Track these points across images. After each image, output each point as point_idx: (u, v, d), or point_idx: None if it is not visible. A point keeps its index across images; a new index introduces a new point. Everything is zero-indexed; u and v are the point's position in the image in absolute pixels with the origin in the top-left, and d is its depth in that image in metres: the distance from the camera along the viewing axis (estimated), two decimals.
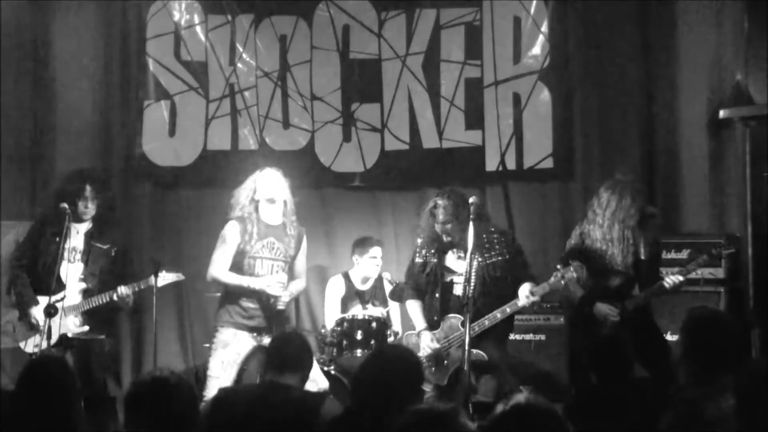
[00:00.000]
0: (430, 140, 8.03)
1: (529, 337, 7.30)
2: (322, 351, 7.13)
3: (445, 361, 6.25)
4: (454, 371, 6.21)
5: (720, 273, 7.01)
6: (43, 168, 8.14)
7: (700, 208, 7.43)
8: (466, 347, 5.57)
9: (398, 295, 6.89)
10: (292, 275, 6.55)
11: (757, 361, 6.50)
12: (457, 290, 6.30)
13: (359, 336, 6.93)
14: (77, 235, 6.59)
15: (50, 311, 6.08)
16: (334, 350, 7.02)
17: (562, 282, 6.10)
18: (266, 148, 8.13)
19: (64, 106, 8.15)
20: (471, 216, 5.93)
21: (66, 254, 6.52)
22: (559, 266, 6.18)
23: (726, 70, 7.52)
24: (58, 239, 6.46)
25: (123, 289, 6.48)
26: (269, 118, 8.20)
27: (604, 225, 6.21)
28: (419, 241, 6.53)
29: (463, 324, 5.98)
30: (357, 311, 7.30)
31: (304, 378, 4.67)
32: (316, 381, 6.06)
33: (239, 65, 8.21)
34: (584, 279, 6.26)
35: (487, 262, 6.21)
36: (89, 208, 6.59)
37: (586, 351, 5.06)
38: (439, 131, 8.02)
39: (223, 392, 4.80)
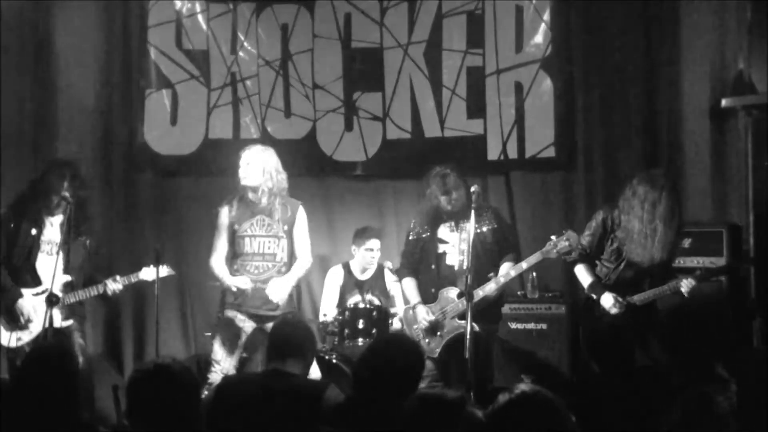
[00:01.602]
0: (431, 129, 8.03)
1: (530, 326, 7.30)
2: (324, 340, 7.14)
3: (439, 332, 6.32)
4: (446, 342, 6.29)
5: (721, 262, 7.01)
6: (44, 157, 8.10)
7: (702, 197, 7.42)
8: (467, 343, 5.56)
9: (398, 275, 6.96)
10: (291, 253, 6.54)
11: (758, 349, 6.54)
12: (450, 260, 6.42)
13: (361, 325, 6.95)
14: (51, 228, 6.46)
15: (52, 299, 5.99)
16: (336, 339, 7.04)
17: (555, 251, 6.15)
18: (268, 137, 8.11)
19: (66, 95, 8.15)
20: (473, 204, 5.94)
21: (43, 247, 6.42)
22: (552, 236, 6.22)
23: (728, 59, 7.51)
24: (34, 231, 6.38)
25: (113, 285, 6.42)
26: (271, 106, 8.19)
27: (644, 219, 6.17)
28: (413, 221, 6.60)
29: (460, 296, 6.19)
30: (357, 300, 7.32)
31: (307, 365, 4.68)
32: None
33: (241, 54, 8.20)
34: (577, 248, 6.30)
35: (478, 231, 6.26)
36: (63, 203, 6.37)
37: (586, 339, 5.07)
38: (441, 120, 8.01)
39: (225, 380, 4.82)
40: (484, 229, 6.36)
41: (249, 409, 4.30)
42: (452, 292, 6.31)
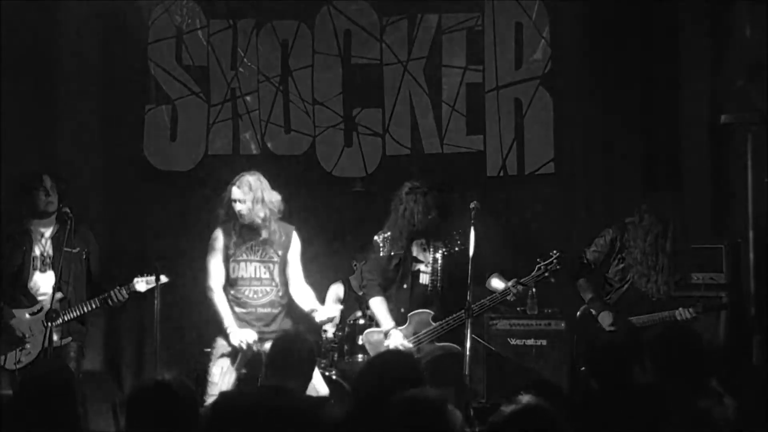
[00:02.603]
0: (431, 145, 8.04)
1: (530, 342, 7.29)
2: (324, 355, 7.12)
3: (416, 356, 6.27)
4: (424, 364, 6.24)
5: (721, 278, 7.01)
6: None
7: (702, 213, 7.43)
8: (466, 359, 5.55)
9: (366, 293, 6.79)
10: (285, 278, 6.53)
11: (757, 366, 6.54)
12: (424, 279, 6.36)
13: (360, 341, 6.92)
14: (43, 240, 6.38)
15: (52, 315, 5.95)
16: (335, 355, 7.02)
17: (546, 274, 6.11)
18: (268, 153, 8.13)
19: (66, 111, 8.14)
20: (471, 221, 5.94)
21: (35, 263, 6.33)
22: (539, 259, 6.19)
23: (728, 74, 7.52)
24: (24, 247, 6.30)
25: (117, 296, 6.37)
26: (271, 122, 8.20)
27: (645, 251, 6.17)
28: (378, 238, 6.53)
29: (435, 320, 6.19)
30: (357, 316, 7.29)
31: (306, 382, 4.66)
32: (316, 388, 6.05)
33: (241, 70, 8.22)
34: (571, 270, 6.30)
35: (451, 251, 6.25)
36: (51, 198, 6.32)
37: (584, 355, 5.07)
38: (441, 136, 8.03)
39: (223, 397, 4.80)
40: (456, 249, 6.31)
41: (247, 426, 4.28)
42: (425, 316, 6.25)
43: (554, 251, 6.22)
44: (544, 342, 7.26)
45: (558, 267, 6.10)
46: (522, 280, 6.13)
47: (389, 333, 6.32)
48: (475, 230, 5.92)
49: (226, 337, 6.35)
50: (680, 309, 6.20)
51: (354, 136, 8.14)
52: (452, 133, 8.01)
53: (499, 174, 7.96)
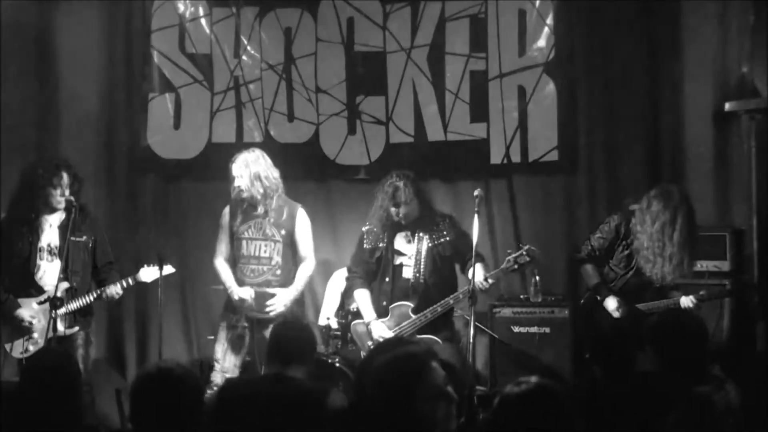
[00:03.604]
0: (435, 133, 8.03)
1: (533, 329, 7.29)
2: (327, 343, 7.14)
3: None
4: None
5: (725, 266, 7.02)
6: None
7: (706, 201, 7.42)
8: (469, 347, 5.55)
9: (349, 284, 6.79)
10: (294, 255, 6.56)
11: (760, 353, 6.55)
12: (407, 273, 6.33)
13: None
14: (50, 229, 6.37)
15: (56, 303, 5.94)
16: (339, 343, 7.04)
17: (515, 267, 6.09)
18: (271, 141, 8.13)
19: (68, 99, 8.15)
20: (476, 209, 5.93)
21: (42, 253, 6.32)
22: (509, 251, 6.18)
23: (731, 62, 7.51)
24: (30, 238, 6.29)
25: (112, 289, 6.36)
26: (274, 110, 8.20)
27: (653, 237, 6.15)
28: (364, 229, 6.53)
29: (415, 312, 6.16)
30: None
31: (309, 368, 4.67)
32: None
33: (244, 58, 8.21)
34: (537, 263, 6.29)
35: (436, 243, 6.24)
36: (64, 197, 6.29)
37: (588, 342, 5.08)
38: (444, 124, 8.01)
39: (227, 384, 4.81)
40: (441, 240, 6.30)
41: (252, 414, 4.30)
42: (405, 308, 6.25)
43: (524, 244, 6.20)
44: (548, 329, 7.26)
45: (527, 259, 6.07)
46: (488, 275, 6.09)
47: (371, 324, 6.32)
48: (478, 217, 5.91)
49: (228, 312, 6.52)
50: (683, 297, 6.22)
51: (357, 124, 8.13)
52: (456, 121, 8.00)
53: (502, 162, 7.95)
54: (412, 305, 6.22)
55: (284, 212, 6.51)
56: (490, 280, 6.06)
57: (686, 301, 6.20)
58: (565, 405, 3.01)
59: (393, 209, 6.27)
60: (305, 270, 6.59)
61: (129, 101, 8.27)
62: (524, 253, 6.06)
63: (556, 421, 2.99)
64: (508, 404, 3.02)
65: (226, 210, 6.67)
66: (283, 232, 6.48)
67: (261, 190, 6.42)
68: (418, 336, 6.12)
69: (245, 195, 6.44)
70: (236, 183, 6.45)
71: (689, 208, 6.23)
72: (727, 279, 6.97)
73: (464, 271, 6.36)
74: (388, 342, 4.85)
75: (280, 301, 6.42)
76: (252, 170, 6.44)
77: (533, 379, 3.07)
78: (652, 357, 4.18)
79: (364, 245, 6.49)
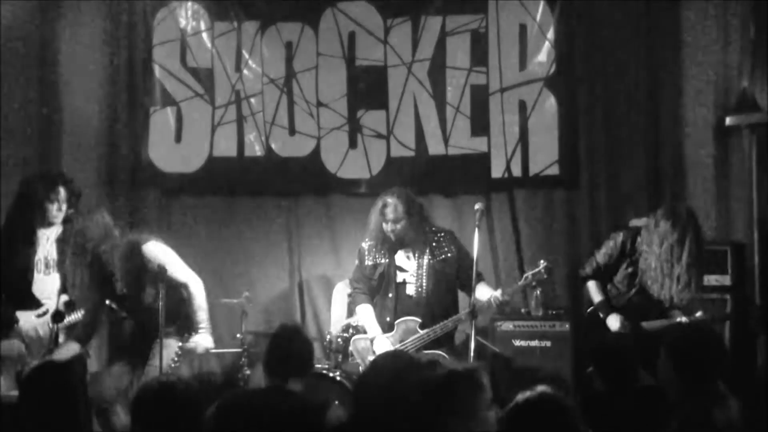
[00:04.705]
0: (435, 147, 8.04)
1: (534, 343, 7.27)
2: (328, 357, 7.13)
3: None
4: None
5: (726, 280, 7.01)
6: None
7: (706, 215, 7.42)
8: (470, 352, 5.55)
9: (353, 300, 6.77)
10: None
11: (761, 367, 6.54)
12: (410, 290, 6.31)
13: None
14: (48, 243, 6.31)
15: (57, 318, 5.92)
16: (340, 356, 7.02)
17: (534, 284, 6.09)
18: (272, 155, 8.13)
19: (70, 113, 8.14)
20: (477, 223, 5.93)
21: (39, 266, 6.23)
22: (527, 269, 6.18)
23: (732, 76, 7.53)
24: (28, 251, 6.23)
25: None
26: (275, 124, 8.20)
27: (660, 257, 6.11)
28: (365, 245, 6.51)
29: (422, 327, 6.13)
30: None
31: (307, 380, 4.66)
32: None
33: (245, 72, 8.22)
34: (552, 283, 6.28)
35: (437, 259, 6.23)
36: (62, 212, 6.27)
37: (590, 355, 5.07)
38: (445, 138, 8.02)
39: (227, 398, 4.80)
40: (443, 256, 6.28)
41: (252, 428, 4.29)
42: (412, 324, 6.23)
43: (542, 261, 6.19)
44: (549, 343, 7.25)
45: (545, 277, 6.07)
46: (506, 291, 6.08)
47: (375, 340, 6.30)
48: (479, 231, 5.90)
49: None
50: (685, 318, 6.19)
51: (358, 138, 8.14)
52: (456, 135, 8.01)
53: (503, 176, 7.96)
54: (419, 320, 6.20)
55: None
56: (506, 297, 6.05)
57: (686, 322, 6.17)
58: (573, 414, 3.02)
59: (383, 225, 6.27)
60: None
61: (130, 115, 8.26)
62: (542, 270, 6.06)
63: (565, 429, 3.00)
64: (518, 413, 3.03)
65: None
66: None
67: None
68: (425, 351, 6.11)
69: None
70: None
71: (697, 228, 6.18)
72: (728, 293, 6.97)
73: (465, 287, 6.35)
74: (386, 356, 4.83)
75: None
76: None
77: (541, 388, 3.08)
78: (667, 369, 4.14)
79: (366, 261, 6.48)
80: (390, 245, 6.34)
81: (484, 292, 6.15)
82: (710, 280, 6.88)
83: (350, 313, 7.28)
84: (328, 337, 7.24)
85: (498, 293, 6.01)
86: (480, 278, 6.08)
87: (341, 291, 7.59)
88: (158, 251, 6.29)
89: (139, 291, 6.34)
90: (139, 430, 3.60)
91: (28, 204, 6.30)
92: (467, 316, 6.08)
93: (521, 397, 3.05)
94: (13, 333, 6.23)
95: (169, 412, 3.55)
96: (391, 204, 6.23)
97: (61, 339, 6.05)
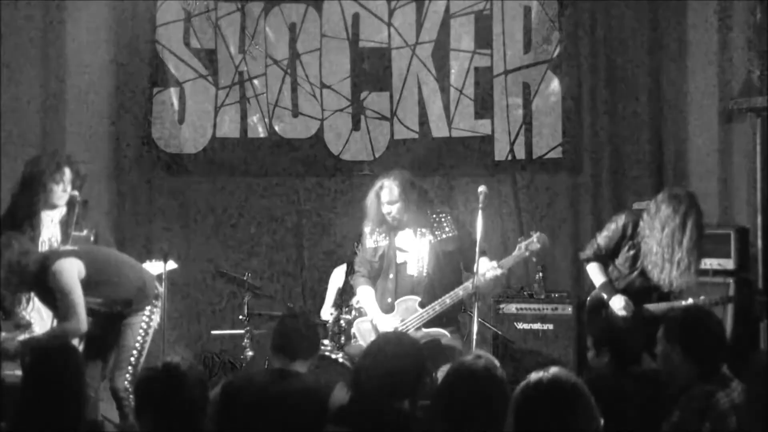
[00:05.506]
0: (439, 129, 8.04)
1: (536, 326, 7.28)
2: (331, 338, 7.14)
3: None
4: None
5: (729, 264, 7.00)
6: None
7: (710, 199, 7.41)
8: (473, 344, 5.54)
9: (354, 282, 6.71)
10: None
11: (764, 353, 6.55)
12: (411, 270, 6.28)
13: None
14: (51, 224, 6.27)
15: None
16: (342, 338, 7.03)
17: (527, 254, 6.07)
18: (275, 136, 8.14)
19: (74, 94, 8.14)
20: (480, 205, 5.91)
21: (42, 248, 6.10)
22: (520, 239, 6.14)
23: (736, 60, 7.51)
24: (31, 233, 6.13)
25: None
26: (278, 106, 8.20)
27: (662, 242, 6.10)
28: (366, 228, 6.48)
29: (422, 306, 6.07)
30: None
31: (313, 363, 4.68)
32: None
33: (249, 53, 8.21)
34: (546, 250, 6.24)
35: (439, 239, 6.21)
36: (66, 193, 6.19)
37: (593, 337, 5.07)
38: (449, 120, 8.02)
39: (233, 379, 4.82)
40: (444, 236, 6.27)
41: (257, 410, 4.31)
42: (412, 302, 6.22)
43: (535, 231, 6.17)
44: (551, 326, 7.26)
45: (538, 246, 6.04)
46: (501, 262, 6.07)
47: (377, 320, 6.31)
48: (483, 213, 5.89)
49: None
50: (687, 302, 6.18)
51: (362, 120, 8.14)
52: (460, 117, 8.00)
53: (507, 158, 7.96)
54: (419, 299, 6.20)
55: None
56: (502, 269, 6.03)
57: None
58: (583, 395, 3.03)
59: (380, 207, 6.25)
60: None
61: (134, 96, 8.26)
62: (535, 240, 6.03)
63: (577, 409, 3.00)
64: (531, 393, 3.03)
65: None
66: None
67: None
68: (425, 330, 6.11)
69: None
70: None
71: (698, 213, 6.17)
72: (731, 277, 6.96)
73: (468, 267, 6.34)
74: (387, 336, 4.81)
75: None
76: None
77: (552, 369, 3.08)
78: (673, 351, 4.14)
79: (367, 245, 6.46)
80: (389, 227, 6.32)
81: (484, 266, 6.14)
82: (713, 263, 6.87)
83: (342, 293, 7.28)
84: (331, 318, 7.26)
85: (494, 264, 6.00)
86: (483, 255, 6.05)
87: (336, 276, 7.58)
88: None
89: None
90: (144, 411, 3.61)
91: (32, 185, 6.21)
92: (466, 293, 6.07)
93: (533, 377, 3.05)
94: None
95: (173, 393, 3.55)
96: (387, 186, 6.19)
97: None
